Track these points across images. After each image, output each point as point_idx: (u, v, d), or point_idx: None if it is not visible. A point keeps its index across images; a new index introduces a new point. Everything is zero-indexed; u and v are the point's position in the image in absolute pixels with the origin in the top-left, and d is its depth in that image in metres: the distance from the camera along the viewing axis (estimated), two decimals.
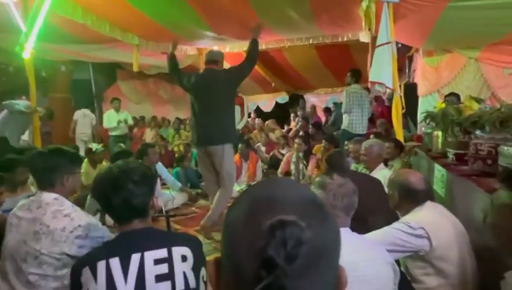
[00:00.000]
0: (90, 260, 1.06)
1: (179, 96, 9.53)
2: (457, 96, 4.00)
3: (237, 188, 4.19)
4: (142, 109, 7.49)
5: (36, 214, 1.37)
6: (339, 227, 0.44)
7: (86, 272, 1.04)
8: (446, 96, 4.21)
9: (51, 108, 4.99)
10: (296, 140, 4.22)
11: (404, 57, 5.37)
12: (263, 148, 5.70)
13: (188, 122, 8.04)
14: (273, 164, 5.28)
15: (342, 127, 4.41)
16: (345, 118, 4.31)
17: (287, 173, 4.25)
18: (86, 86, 7.21)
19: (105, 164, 4.24)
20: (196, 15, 4.10)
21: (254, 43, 3.33)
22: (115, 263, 1.04)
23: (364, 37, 4.95)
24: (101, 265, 1.04)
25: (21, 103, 4.11)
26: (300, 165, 4.02)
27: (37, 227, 1.33)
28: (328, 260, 0.40)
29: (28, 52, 3.78)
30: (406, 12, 3.47)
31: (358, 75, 4.38)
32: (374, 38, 4.73)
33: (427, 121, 2.64)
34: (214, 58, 3.11)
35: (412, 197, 1.45)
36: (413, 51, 5.30)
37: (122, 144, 5.48)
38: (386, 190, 1.65)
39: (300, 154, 4.08)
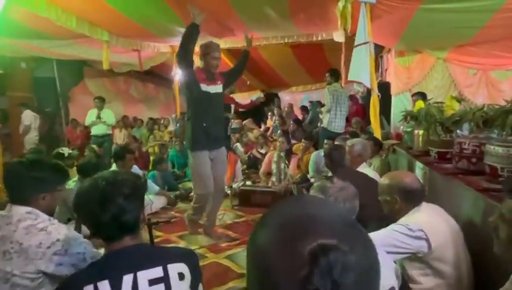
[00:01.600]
0: (75, 285, 0.93)
1: (151, 95, 9.21)
2: (423, 95, 4.17)
3: None
4: (111, 108, 7.05)
5: (5, 231, 1.20)
6: (376, 250, 0.40)
7: None
8: (413, 95, 4.37)
9: (4, 109, 4.56)
10: (280, 138, 4.18)
11: (377, 57, 5.52)
12: (241, 148, 5.62)
13: (162, 122, 7.78)
14: (252, 163, 5.23)
15: (321, 125, 4.44)
16: (325, 116, 4.35)
17: (269, 174, 4.21)
18: (49, 84, 6.70)
19: (74, 169, 3.95)
20: (171, 11, 3.93)
21: (246, 56, 3.16)
22: (105, 286, 0.92)
23: (338, 36, 5.03)
24: None
25: None
26: (282, 165, 4.00)
27: (6, 246, 1.17)
28: (373, 284, 0.37)
29: None
30: (380, 13, 3.54)
31: (338, 75, 4.44)
32: (348, 38, 4.82)
33: (407, 119, 2.70)
34: None
35: (411, 198, 1.44)
36: (385, 51, 5.46)
37: (94, 146, 5.13)
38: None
39: (282, 154, 4.05)
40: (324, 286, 0.32)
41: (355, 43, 3.34)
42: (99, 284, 0.92)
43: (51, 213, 1.36)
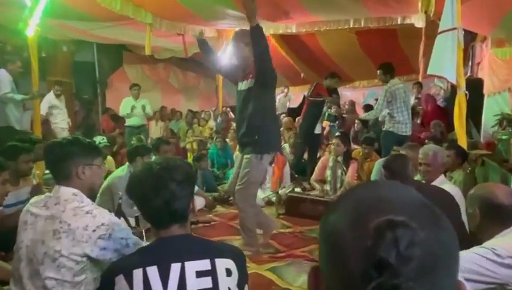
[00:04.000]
0: (124, 268, 1.08)
1: (192, 85, 9.67)
2: None
3: (261, 196, 4.21)
4: (149, 98, 7.52)
5: (54, 211, 1.41)
6: (455, 232, 0.45)
7: (120, 280, 1.06)
8: None
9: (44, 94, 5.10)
10: (334, 140, 4.17)
11: (468, 47, 5.23)
12: (289, 150, 5.69)
13: (202, 115, 8.14)
14: (302, 168, 5.26)
15: (385, 128, 4.37)
16: (388, 118, 4.28)
17: (322, 181, 4.22)
18: (88, 69, 7.41)
19: (110, 158, 4.35)
20: None
21: (254, 32, 2.58)
22: (153, 272, 1.06)
23: (418, 21, 4.88)
24: (138, 274, 1.06)
25: (16, 95, 4.24)
26: (338, 171, 3.99)
27: (56, 225, 1.38)
28: (445, 267, 0.41)
29: (32, 30, 3.92)
30: None
31: (392, 69, 4.34)
32: (430, 23, 4.66)
33: (503, 125, 2.56)
34: None
35: (497, 215, 1.39)
36: (479, 40, 5.15)
37: (141, 136, 5.55)
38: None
39: (340, 159, 4.04)
40: (389, 256, 0.37)
41: (440, 29, 3.24)
42: (148, 269, 1.07)
43: (92, 196, 1.58)
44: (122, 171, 3.24)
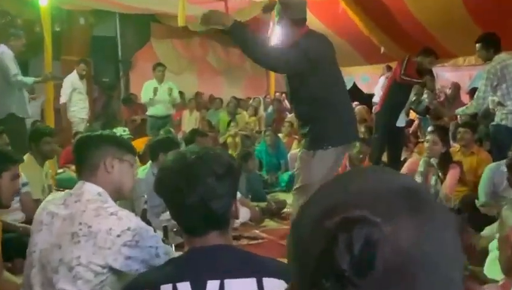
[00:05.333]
0: (151, 282, 1.13)
1: (235, 64, 9.80)
2: None
3: None
4: (182, 81, 7.76)
5: (74, 209, 1.53)
6: (453, 225, 0.46)
7: None
8: None
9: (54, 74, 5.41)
10: (428, 136, 3.98)
11: None
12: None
13: (250, 102, 8.23)
14: None
15: (495, 121, 4.27)
16: (498, 107, 4.19)
17: None
18: (109, 45, 7.83)
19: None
20: None
21: (233, 35, 2.75)
22: (185, 289, 1.11)
23: None
24: None
25: (26, 78, 4.49)
26: (433, 179, 3.82)
27: (75, 228, 1.48)
28: (430, 269, 0.41)
29: None
30: None
31: (497, 42, 4.16)
32: None
33: None
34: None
35: None
36: None
37: (169, 128, 5.70)
38: None
39: (433, 161, 3.87)
40: (342, 262, 0.39)
41: None
42: (180, 285, 1.11)
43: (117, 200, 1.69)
44: (143, 173, 3.38)
